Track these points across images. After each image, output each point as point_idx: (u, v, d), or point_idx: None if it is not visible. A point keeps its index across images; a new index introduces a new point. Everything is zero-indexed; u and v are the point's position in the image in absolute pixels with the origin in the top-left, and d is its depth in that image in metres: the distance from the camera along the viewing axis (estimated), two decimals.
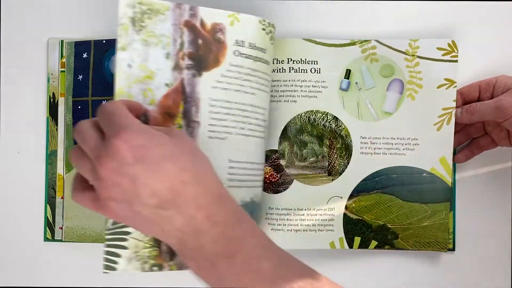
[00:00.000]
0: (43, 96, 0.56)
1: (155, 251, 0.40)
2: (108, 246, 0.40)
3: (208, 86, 0.44)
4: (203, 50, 0.44)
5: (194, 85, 0.44)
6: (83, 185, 0.34)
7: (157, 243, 0.40)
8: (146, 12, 0.43)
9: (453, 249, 0.55)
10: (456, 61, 0.52)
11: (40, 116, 0.56)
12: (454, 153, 0.53)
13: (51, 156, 0.56)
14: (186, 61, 0.44)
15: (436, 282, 0.55)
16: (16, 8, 0.57)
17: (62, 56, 0.56)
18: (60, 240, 0.56)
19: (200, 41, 0.44)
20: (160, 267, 0.41)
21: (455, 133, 0.52)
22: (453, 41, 0.52)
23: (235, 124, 0.45)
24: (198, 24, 0.44)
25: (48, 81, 0.56)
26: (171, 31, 0.43)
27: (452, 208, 0.54)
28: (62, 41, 0.56)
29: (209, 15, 0.44)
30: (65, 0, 0.57)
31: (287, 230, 0.53)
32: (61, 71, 0.56)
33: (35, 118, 0.56)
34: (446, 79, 0.52)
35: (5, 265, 0.57)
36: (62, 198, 0.55)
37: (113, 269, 0.41)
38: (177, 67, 0.43)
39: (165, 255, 0.41)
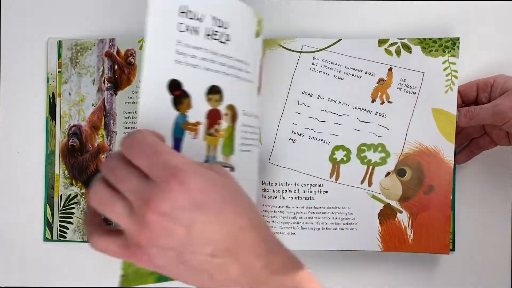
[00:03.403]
0: (43, 96, 0.57)
1: None
2: (60, 222, 0.55)
3: (122, 102, 0.55)
4: (118, 73, 0.54)
5: (112, 102, 0.55)
6: (103, 228, 0.31)
7: None
8: (79, 51, 0.55)
9: (453, 249, 0.55)
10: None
11: (40, 116, 0.57)
12: (454, 154, 0.53)
13: (50, 156, 0.56)
14: (106, 84, 0.55)
15: (436, 282, 0.55)
16: (16, 8, 0.57)
17: (60, 57, 0.56)
18: (60, 240, 0.56)
19: (116, 66, 0.54)
20: None
21: (455, 134, 0.52)
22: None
23: None
24: (115, 52, 0.54)
25: (48, 81, 0.56)
26: (95, 62, 0.55)
27: (452, 208, 0.54)
28: (60, 41, 0.56)
29: (123, 43, 0.55)
30: (65, 0, 0.57)
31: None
32: (58, 71, 0.56)
33: (35, 118, 0.57)
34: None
35: (5, 265, 0.57)
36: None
37: (64, 237, 0.55)
38: (99, 90, 0.55)
39: None
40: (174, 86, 0.37)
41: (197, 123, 0.39)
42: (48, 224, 0.56)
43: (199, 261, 0.29)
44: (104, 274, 0.57)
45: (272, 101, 0.54)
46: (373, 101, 0.53)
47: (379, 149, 0.53)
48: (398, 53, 0.53)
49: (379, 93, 0.53)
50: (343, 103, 0.53)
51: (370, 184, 0.53)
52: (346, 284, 0.56)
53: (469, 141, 0.54)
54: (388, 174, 0.53)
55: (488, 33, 0.55)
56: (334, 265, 0.56)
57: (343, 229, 0.52)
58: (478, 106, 0.50)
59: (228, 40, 0.40)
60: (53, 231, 0.56)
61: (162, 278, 0.37)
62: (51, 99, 0.56)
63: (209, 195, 0.29)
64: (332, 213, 0.53)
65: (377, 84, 0.53)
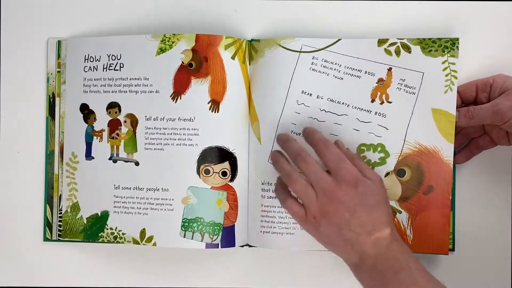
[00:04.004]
0: (43, 96, 0.57)
1: None
2: (60, 221, 0.56)
3: None
4: None
5: None
6: (293, 197, 0.48)
7: None
8: None
9: (453, 249, 0.55)
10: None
11: (40, 116, 0.57)
12: (454, 154, 0.53)
13: (50, 156, 0.56)
14: None
15: None
16: (16, 8, 0.57)
17: (59, 57, 0.56)
18: (60, 240, 0.56)
19: None
20: None
21: (454, 134, 0.52)
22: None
23: None
24: None
25: (48, 81, 0.56)
26: None
27: (452, 208, 0.54)
28: (59, 41, 0.56)
29: None
30: (65, 0, 0.57)
31: None
32: (58, 71, 0.56)
33: (35, 118, 0.57)
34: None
35: (5, 265, 0.57)
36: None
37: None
38: None
39: None
40: (83, 108, 0.55)
41: (101, 131, 0.54)
42: (48, 224, 0.56)
43: (351, 236, 0.44)
44: (104, 274, 0.57)
45: (271, 101, 0.54)
46: (372, 101, 0.53)
47: (379, 149, 0.53)
48: (397, 53, 0.53)
49: (379, 93, 0.53)
50: (343, 103, 0.53)
51: None
52: (345, 285, 0.56)
53: (469, 141, 0.54)
54: (387, 174, 0.53)
55: (487, 33, 0.55)
56: (333, 265, 0.56)
57: None
58: (478, 106, 0.50)
59: (122, 67, 0.54)
60: (53, 231, 0.56)
61: (87, 237, 0.54)
62: (51, 99, 0.56)
63: (368, 198, 0.45)
64: None
65: (376, 84, 0.53)
